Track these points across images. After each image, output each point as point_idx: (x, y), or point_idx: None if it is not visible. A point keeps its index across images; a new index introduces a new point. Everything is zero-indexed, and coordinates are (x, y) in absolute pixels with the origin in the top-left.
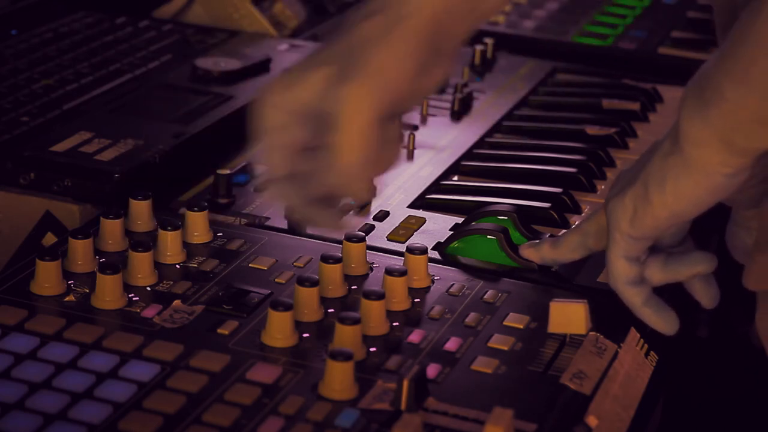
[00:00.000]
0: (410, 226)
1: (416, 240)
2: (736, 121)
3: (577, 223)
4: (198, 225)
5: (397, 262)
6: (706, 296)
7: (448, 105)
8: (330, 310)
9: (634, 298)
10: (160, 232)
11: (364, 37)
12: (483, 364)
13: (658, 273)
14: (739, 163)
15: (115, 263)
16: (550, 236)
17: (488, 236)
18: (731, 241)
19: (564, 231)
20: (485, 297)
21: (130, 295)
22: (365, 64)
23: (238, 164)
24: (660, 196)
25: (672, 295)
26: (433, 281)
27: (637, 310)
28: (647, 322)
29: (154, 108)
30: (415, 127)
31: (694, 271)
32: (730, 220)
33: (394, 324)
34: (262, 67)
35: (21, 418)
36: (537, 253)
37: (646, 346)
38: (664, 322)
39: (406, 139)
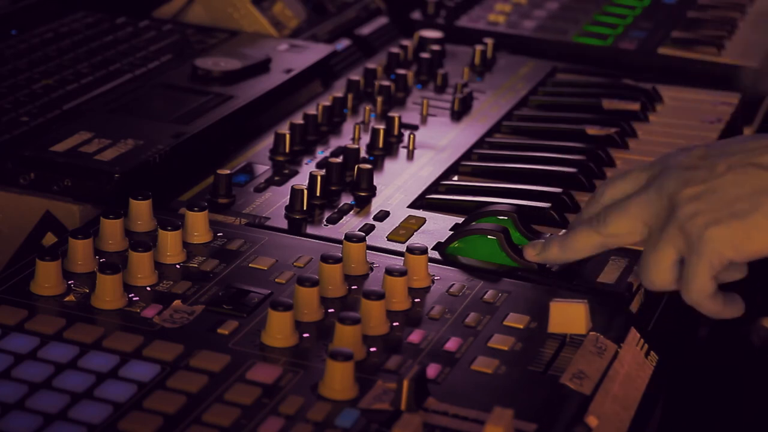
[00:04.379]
0: (410, 226)
1: (416, 240)
2: None
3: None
4: (198, 225)
5: (397, 262)
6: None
7: (448, 105)
8: (330, 310)
9: (717, 306)
10: (160, 232)
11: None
12: (483, 364)
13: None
14: None
15: (115, 263)
16: (549, 236)
17: (488, 236)
18: None
19: (564, 231)
20: (485, 297)
21: (130, 295)
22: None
23: (238, 164)
24: None
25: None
26: (433, 281)
27: (719, 314)
28: (725, 317)
29: (154, 108)
30: (415, 127)
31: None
32: None
33: (394, 324)
34: (262, 67)
35: (21, 418)
36: (544, 256)
37: (646, 346)
38: (738, 308)
39: (406, 139)
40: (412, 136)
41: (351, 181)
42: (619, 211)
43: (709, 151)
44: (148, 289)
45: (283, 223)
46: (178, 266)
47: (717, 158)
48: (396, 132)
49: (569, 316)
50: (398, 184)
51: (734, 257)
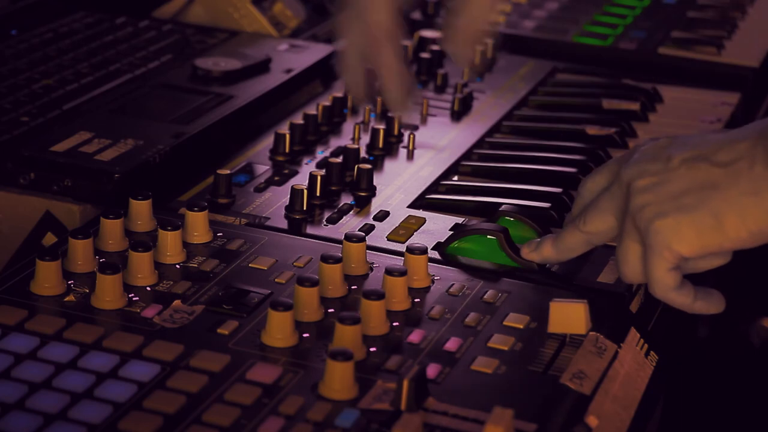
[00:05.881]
0: (410, 226)
1: (416, 240)
2: None
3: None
4: (198, 225)
5: (397, 262)
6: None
7: (448, 105)
8: (330, 310)
9: (686, 299)
10: (160, 232)
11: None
12: (483, 364)
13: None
14: None
15: (115, 263)
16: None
17: (488, 236)
18: None
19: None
20: (485, 297)
21: (130, 295)
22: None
23: (238, 164)
24: (739, 230)
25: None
26: (433, 281)
27: (690, 308)
28: (700, 312)
29: (154, 108)
30: (415, 127)
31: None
32: None
33: (394, 324)
34: (262, 67)
35: (21, 418)
36: (538, 254)
37: (646, 346)
38: (715, 304)
39: (406, 139)
40: (412, 136)
41: (351, 181)
42: (594, 208)
43: (671, 142)
44: (148, 289)
45: (283, 223)
46: (178, 266)
47: (675, 150)
48: (396, 132)
49: (569, 316)
50: (398, 184)
51: (684, 251)
